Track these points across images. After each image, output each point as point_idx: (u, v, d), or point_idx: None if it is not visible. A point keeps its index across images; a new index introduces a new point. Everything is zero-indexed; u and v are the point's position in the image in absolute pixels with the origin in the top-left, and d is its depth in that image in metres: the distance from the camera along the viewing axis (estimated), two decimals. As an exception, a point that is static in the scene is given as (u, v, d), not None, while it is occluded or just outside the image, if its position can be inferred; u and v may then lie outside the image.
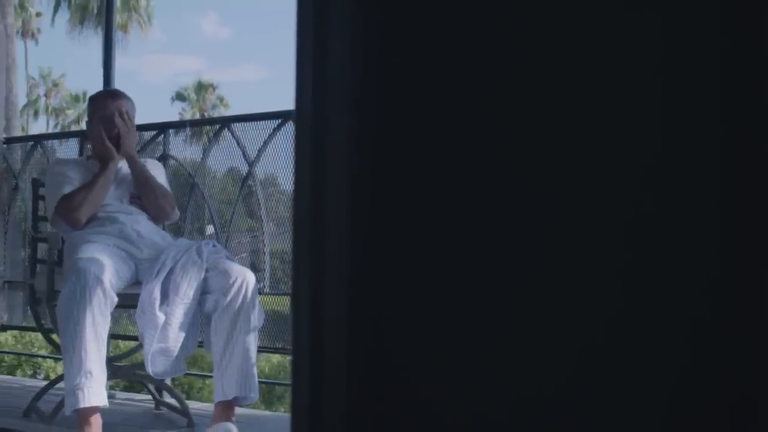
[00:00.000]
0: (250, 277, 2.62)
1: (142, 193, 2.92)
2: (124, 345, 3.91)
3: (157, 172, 3.05)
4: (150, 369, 2.58)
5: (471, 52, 0.54)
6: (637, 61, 0.53)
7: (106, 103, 2.95)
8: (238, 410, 2.64)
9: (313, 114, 0.55)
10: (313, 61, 0.56)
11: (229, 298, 2.56)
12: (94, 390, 2.45)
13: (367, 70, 0.52)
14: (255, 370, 2.62)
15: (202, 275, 2.61)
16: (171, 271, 2.61)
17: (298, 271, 0.58)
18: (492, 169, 0.51)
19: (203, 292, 2.61)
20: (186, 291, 2.58)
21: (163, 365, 2.59)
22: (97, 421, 2.47)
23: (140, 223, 2.86)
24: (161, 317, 2.55)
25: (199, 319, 2.66)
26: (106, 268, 2.51)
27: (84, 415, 2.46)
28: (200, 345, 2.73)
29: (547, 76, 0.54)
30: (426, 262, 0.52)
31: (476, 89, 0.54)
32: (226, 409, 2.57)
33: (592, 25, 0.53)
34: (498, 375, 0.54)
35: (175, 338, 2.57)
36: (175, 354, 2.59)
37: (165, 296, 2.58)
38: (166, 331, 2.56)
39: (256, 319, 2.60)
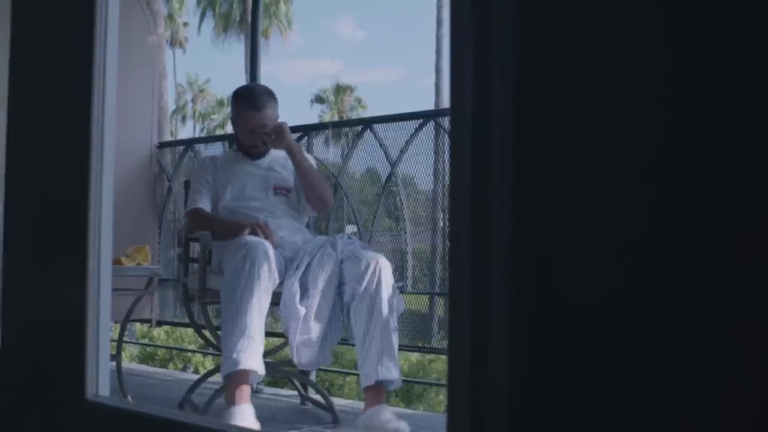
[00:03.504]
0: (383, 262, 2.66)
1: (304, 185, 3.00)
2: (267, 342, 4.02)
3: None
4: (296, 360, 2.65)
5: (634, 50, 0.53)
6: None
7: (253, 116, 2.99)
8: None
9: (473, 119, 0.55)
10: (473, 63, 0.56)
11: (364, 285, 2.62)
12: (254, 355, 2.52)
13: (530, 70, 0.52)
14: (396, 353, 2.62)
15: (338, 267, 2.67)
16: (308, 266, 2.69)
17: (456, 272, 0.59)
18: (673, 175, 0.50)
19: (340, 283, 2.68)
20: (323, 284, 2.66)
21: (307, 356, 2.66)
22: (246, 390, 2.53)
23: (282, 228, 2.94)
24: (302, 310, 2.63)
25: (341, 310, 2.72)
26: (270, 250, 2.62)
27: (237, 380, 2.52)
28: (344, 342, 2.78)
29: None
30: (589, 267, 0.51)
31: (642, 87, 0.53)
32: (376, 394, 2.62)
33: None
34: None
35: (317, 329, 2.65)
36: (318, 345, 2.65)
37: (305, 290, 2.66)
38: (307, 323, 2.64)
39: (394, 302, 2.63)
